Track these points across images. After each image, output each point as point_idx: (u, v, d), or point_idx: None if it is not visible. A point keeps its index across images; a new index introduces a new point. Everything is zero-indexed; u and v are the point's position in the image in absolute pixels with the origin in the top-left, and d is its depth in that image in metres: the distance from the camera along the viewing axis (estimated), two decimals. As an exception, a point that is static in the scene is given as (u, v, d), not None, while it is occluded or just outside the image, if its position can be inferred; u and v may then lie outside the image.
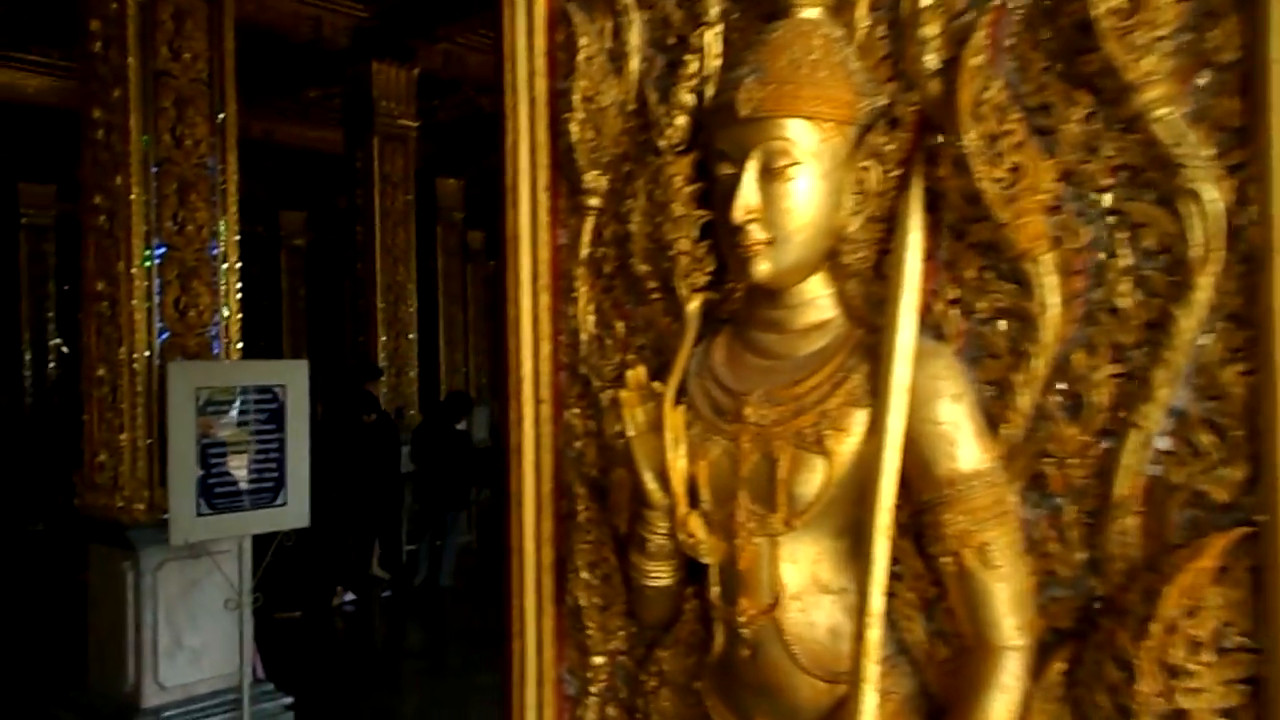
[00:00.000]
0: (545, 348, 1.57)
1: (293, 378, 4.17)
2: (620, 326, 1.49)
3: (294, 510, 4.16)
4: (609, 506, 1.46)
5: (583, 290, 1.53)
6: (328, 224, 17.30)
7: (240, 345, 4.46)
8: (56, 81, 10.91)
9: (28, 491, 10.06)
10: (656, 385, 1.27)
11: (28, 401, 13.70)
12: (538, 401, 1.56)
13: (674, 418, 1.25)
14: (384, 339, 9.38)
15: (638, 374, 1.29)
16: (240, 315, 4.47)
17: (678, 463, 1.24)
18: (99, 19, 4.32)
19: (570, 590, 1.50)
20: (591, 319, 1.52)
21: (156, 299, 4.20)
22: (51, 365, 14.47)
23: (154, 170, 4.24)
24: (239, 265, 4.52)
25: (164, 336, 4.21)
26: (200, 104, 4.39)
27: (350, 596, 8.14)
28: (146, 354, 4.14)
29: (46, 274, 14.66)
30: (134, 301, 4.17)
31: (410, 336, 9.58)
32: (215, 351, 4.36)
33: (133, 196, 4.19)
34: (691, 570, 1.32)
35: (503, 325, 1.62)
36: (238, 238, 4.51)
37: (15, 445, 10.65)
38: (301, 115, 11.83)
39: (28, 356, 14.38)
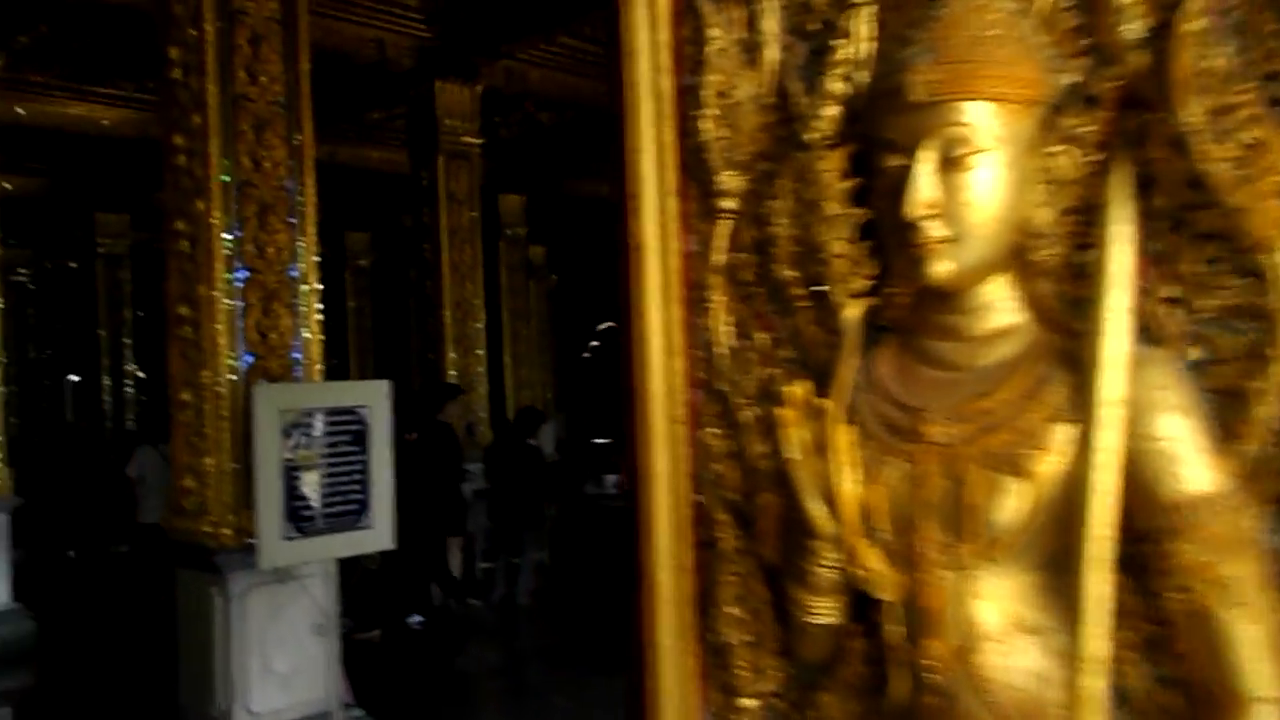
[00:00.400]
0: (678, 364, 1.45)
1: (375, 398, 4.12)
2: (762, 338, 1.37)
3: (379, 532, 4.10)
4: (754, 534, 1.34)
5: (718, 300, 1.42)
6: (392, 244, 17.49)
7: (320, 367, 4.43)
8: (130, 113, 11.13)
9: (109, 513, 10.20)
10: (821, 402, 1.15)
11: (108, 425, 13.97)
12: (671, 422, 1.45)
13: (843, 437, 1.13)
14: (453, 356, 9.38)
15: (799, 390, 1.18)
16: (321, 337, 4.44)
17: (849, 488, 1.12)
18: (178, 46, 4.33)
19: (714, 626, 1.38)
20: (728, 331, 1.41)
21: (239, 322, 4.18)
22: (130, 390, 14.75)
23: (234, 194, 4.23)
24: (318, 286, 4.49)
25: (247, 360, 4.18)
26: (278, 126, 4.38)
27: (418, 617, 8.10)
28: (230, 378, 4.11)
29: (123, 301, 14.98)
30: (217, 325, 4.15)
31: (479, 353, 9.56)
32: (296, 374, 4.33)
33: (214, 220, 4.18)
34: (859, 605, 1.19)
35: (626, 341, 1.51)
36: (316, 259, 4.49)
37: (96, 468, 10.82)
38: (364, 137, 11.92)
39: (106, 382, 14.68)
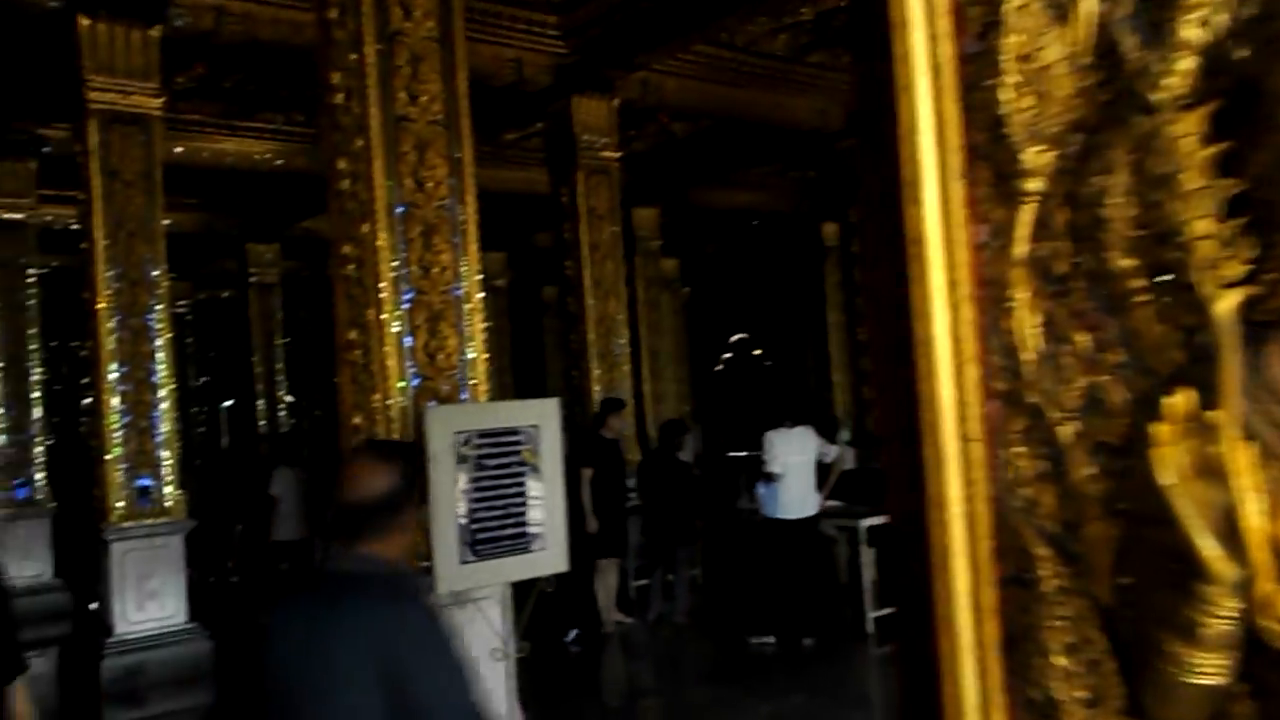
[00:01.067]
0: (971, 372, 1.26)
1: (545, 417, 4.03)
2: (1083, 341, 1.16)
3: (553, 554, 4.00)
4: (1084, 571, 1.13)
5: (1021, 298, 1.22)
6: (527, 263, 17.69)
7: (487, 387, 4.37)
8: (279, 146, 11.52)
9: (262, 533, 10.49)
10: (1211, 415, 0.95)
11: (264, 449, 14.46)
12: (964, 440, 1.26)
13: (1243, 457, 0.92)
14: (597, 373, 9.32)
15: (1182, 401, 0.97)
16: (486, 356, 4.39)
17: (1255, 520, 0.91)
18: (339, 71, 4.35)
19: (1037, 679, 1.18)
20: (1036, 334, 1.21)
21: (407, 344, 4.15)
22: (283, 414, 15.26)
23: (398, 216, 4.21)
24: (481, 306, 4.44)
25: (415, 382, 4.15)
26: (439, 145, 4.35)
27: (574, 633, 8.04)
28: (400, 400, 4.08)
29: (274, 328, 15.52)
30: (385, 348, 4.13)
31: (624, 369, 9.48)
32: (463, 395, 4.28)
33: (379, 243, 4.17)
34: (1248, 660, 0.98)
35: (905, 348, 1.33)
36: (479, 277, 4.44)
37: (255, 490, 11.17)
38: (499, 158, 12.04)
39: (260, 405, 15.23)
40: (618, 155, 9.59)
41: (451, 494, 3.74)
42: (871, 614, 7.60)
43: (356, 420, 4.24)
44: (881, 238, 1.40)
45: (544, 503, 4.02)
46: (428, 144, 4.32)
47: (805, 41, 9.85)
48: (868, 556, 7.70)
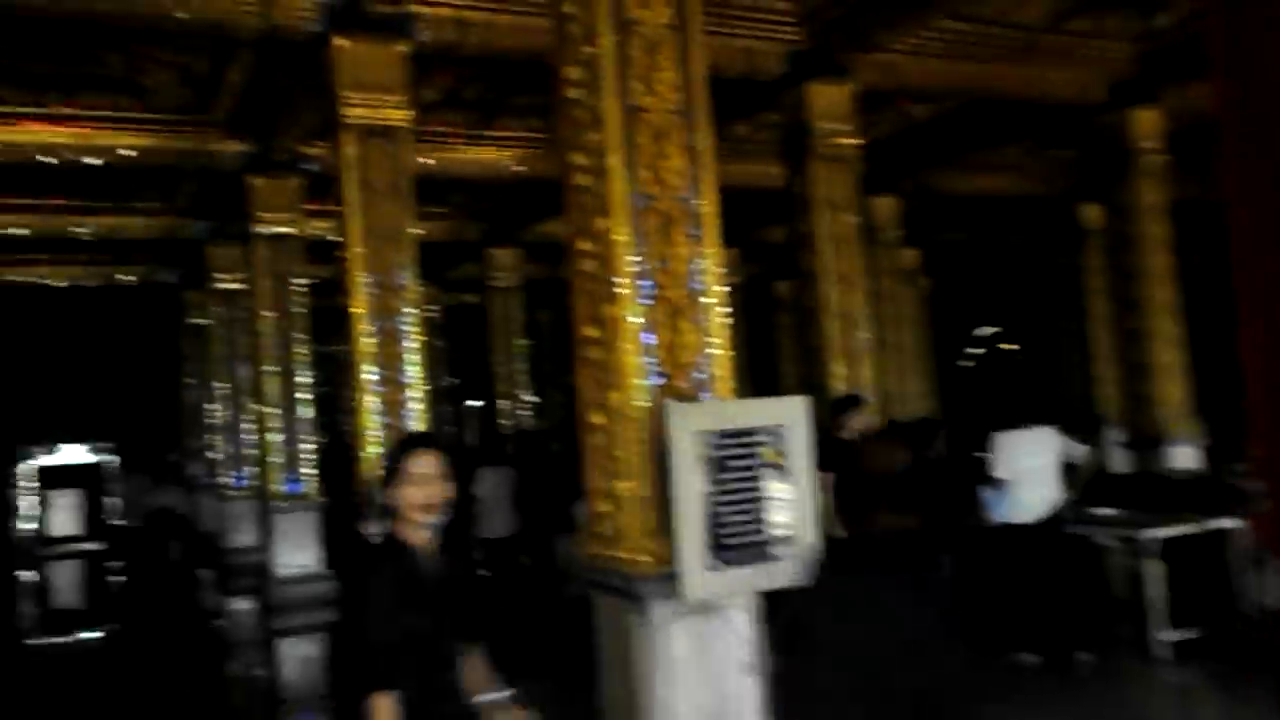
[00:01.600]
0: None
1: (792, 416, 3.78)
2: None
3: (800, 563, 3.73)
4: None
5: None
6: (759, 259, 17.45)
7: (732, 384, 4.17)
8: (519, 153, 11.84)
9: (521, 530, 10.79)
10: None
11: (508, 449, 14.95)
12: None
13: None
14: (838, 370, 8.96)
15: None
16: (730, 352, 4.19)
17: None
18: (575, 65, 4.27)
19: None
20: None
21: (647, 341, 4.01)
22: (525, 414, 15.74)
23: (636, 208, 4.08)
24: (723, 299, 4.24)
25: (656, 379, 4.00)
26: (676, 136, 4.19)
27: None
28: (641, 399, 3.95)
29: (514, 331, 16.02)
30: (625, 345, 4.01)
31: (865, 366, 9.07)
32: (704, 393, 4.10)
33: (617, 237, 4.06)
34: None
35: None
36: (720, 271, 4.24)
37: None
38: (729, 151, 11.84)
39: (503, 406, 15.76)
40: (856, 142, 9.18)
41: (696, 496, 3.56)
42: (1160, 634, 6.85)
43: (596, 419, 4.14)
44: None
45: (791, 507, 3.77)
46: (665, 134, 4.17)
47: (1066, 7, 9.09)
48: (1154, 570, 6.95)
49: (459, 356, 23.62)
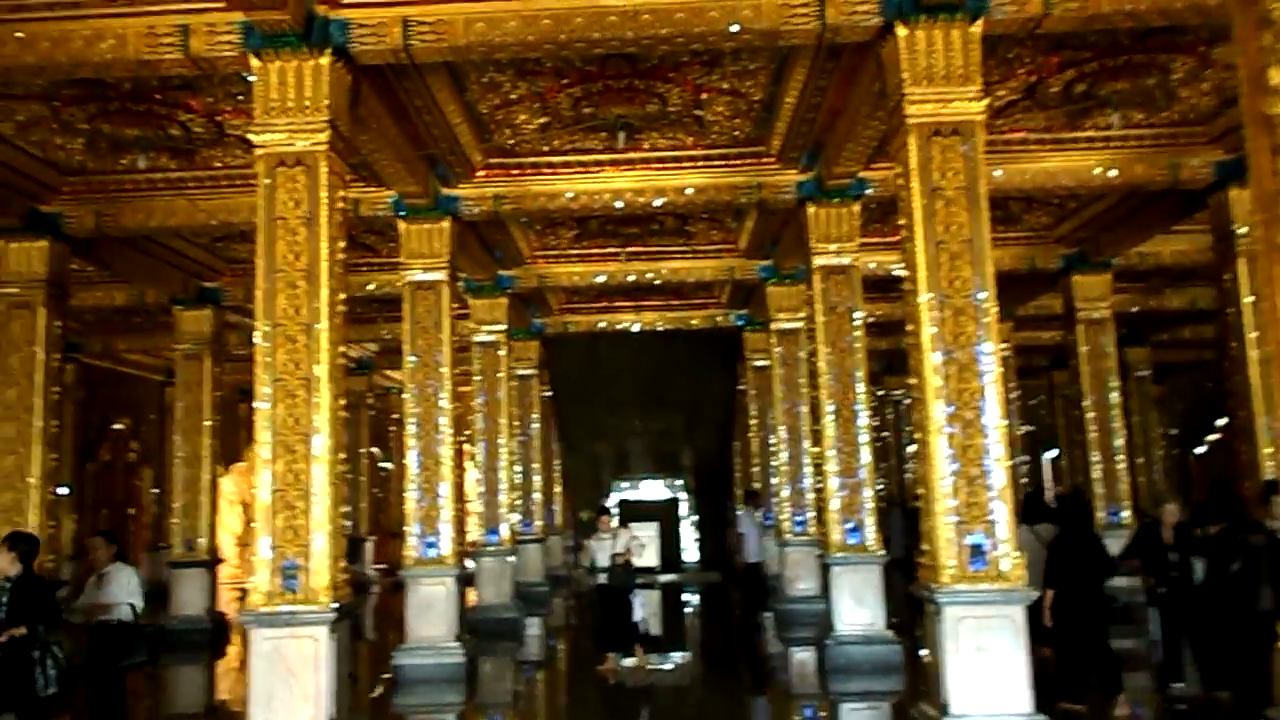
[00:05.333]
0: None
1: None
2: None
3: None
4: None
5: None
6: None
7: None
8: (1109, 155, 9.99)
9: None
10: None
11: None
12: None
13: None
14: None
15: None
16: None
17: None
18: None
19: None
20: None
21: None
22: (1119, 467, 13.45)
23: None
24: None
25: None
26: None
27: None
28: None
29: (1106, 371, 13.80)
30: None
31: None
32: None
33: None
34: None
35: None
36: None
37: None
38: None
39: (1093, 458, 13.58)
40: None
41: None
42: None
43: None
44: None
45: None
46: None
47: None
48: None
49: (1033, 400, 21.48)
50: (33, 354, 9.85)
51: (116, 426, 18.80)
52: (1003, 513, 6.13)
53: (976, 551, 6.15)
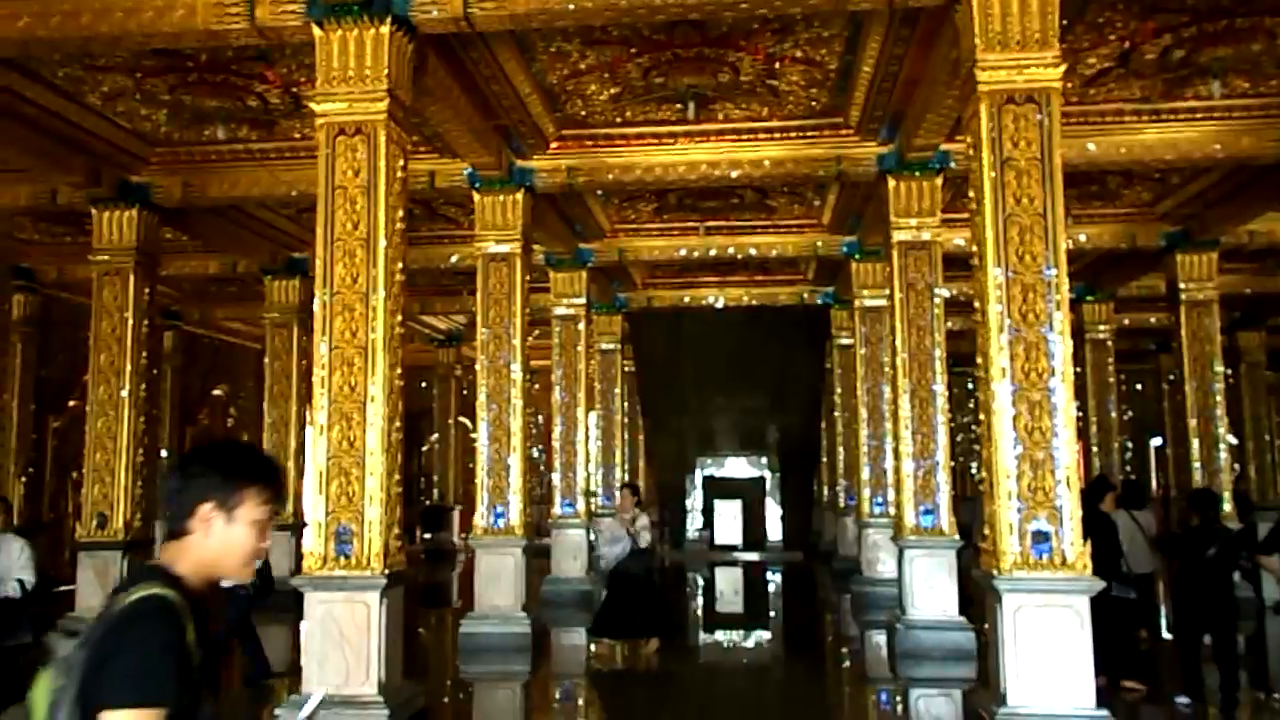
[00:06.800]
0: None
1: None
2: None
3: None
4: None
5: None
6: None
7: None
8: (1215, 126, 9.42)
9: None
10: None
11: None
12: None
13: None
14: None
15: None
16: None
17: None
18: None
19: None
20: None
21: None
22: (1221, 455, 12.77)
23: None
24: None
25: None
26: None
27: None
28: None
29: (1210, 355, 13.09)
30: None
31: None
32: None
33: None
34: None
35: None
36: None
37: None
38: None
39: (1194, 444, 12.93)
40: None
41: None
42: None
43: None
44: None
45: None
46: None
47: None
48: None
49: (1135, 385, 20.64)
50: (124, 320, 10.22)
51: (216, 392, 19.51)
52: (1068, 499, 5.85)
53: (1040, 538, 5.88)
